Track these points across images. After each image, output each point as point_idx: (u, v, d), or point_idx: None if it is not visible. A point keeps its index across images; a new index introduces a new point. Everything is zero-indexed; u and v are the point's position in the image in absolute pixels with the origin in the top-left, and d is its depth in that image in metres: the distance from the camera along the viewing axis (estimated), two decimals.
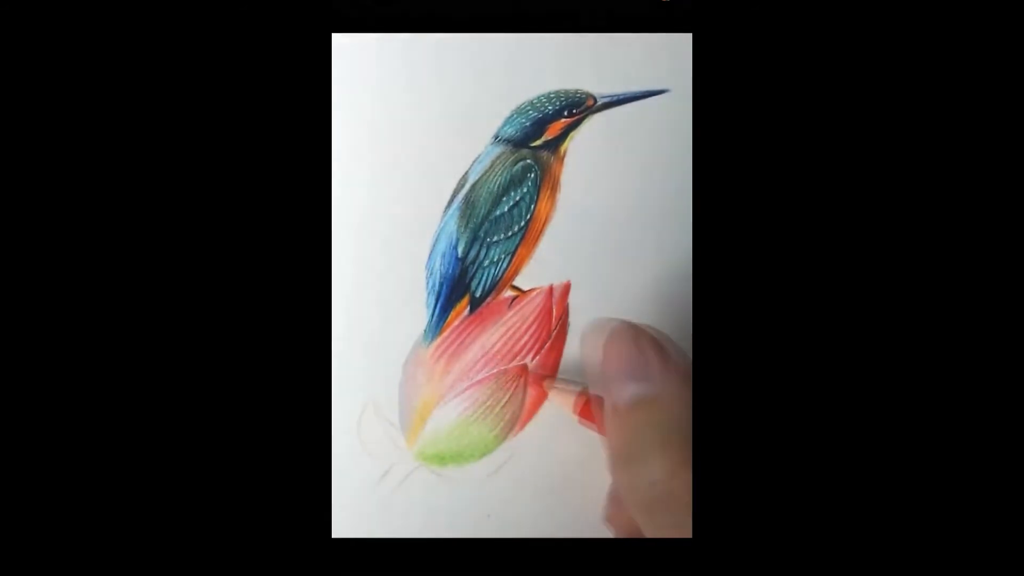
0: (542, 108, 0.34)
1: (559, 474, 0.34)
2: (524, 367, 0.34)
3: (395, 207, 0.34)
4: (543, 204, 0.34)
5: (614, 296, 0.35)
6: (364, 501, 0.34)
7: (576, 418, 0.32)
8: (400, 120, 0.34)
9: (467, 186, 0.34)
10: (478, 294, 0.34)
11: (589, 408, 0.31)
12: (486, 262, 0.34)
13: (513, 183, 0.34)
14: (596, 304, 0.35)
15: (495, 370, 0.34)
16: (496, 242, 0.34)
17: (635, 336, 0.28)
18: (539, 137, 0.34)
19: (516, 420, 0.34)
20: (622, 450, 0.27)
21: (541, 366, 0.34)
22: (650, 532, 0.26)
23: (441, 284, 0.34)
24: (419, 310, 0.34)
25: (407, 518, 0.34)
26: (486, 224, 0.34)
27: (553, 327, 0.35)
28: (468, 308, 0.34)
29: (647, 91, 0.34)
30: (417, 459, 0.34)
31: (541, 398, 0.34)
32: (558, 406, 0.33)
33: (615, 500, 0.29)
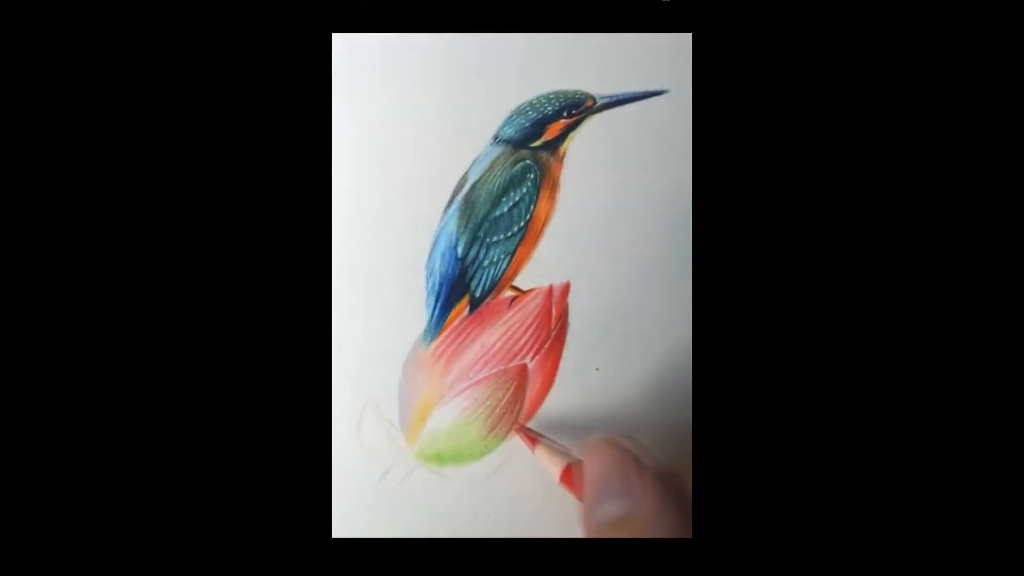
0: (542, 108, 0.34)
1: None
2: (524, 367, 0.34)
3: (395, 207, 0.34)
4: (543, 204, 0.34)
5: (614, 296, 0.35)
6: (364, 501, 0.34)
7: (557, 482, 0.32)
8: (400, 120, 0.34)
9: (467, 186, 0.34)
10: (478, 294, 0.34)
11: (571, 475, 0.31)
12: (486, 262, 0.34)
13: (513, 183, 0.34)
14: (596, 304, 0.35)
15: (495, 370, 0.34)
16: (496, 242, 0.34)
17: (614, 452, 0.29)
18: (539, 137, 0.34)
19: (516, 420, 0.34)
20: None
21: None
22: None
23: (441, 284, 0.34)
24: (419, 310, 0.34)
25: (407, 518, 0.34)
26: (486, 224, 0.34)
27: (552, 327, 0.35)
28: (468, 308, 0.34)
29: (647, 91, 0.34)
30: (417, 459, 0.34)
31: (542, 397, 0.34)
32: (544, 465, 0.33)
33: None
